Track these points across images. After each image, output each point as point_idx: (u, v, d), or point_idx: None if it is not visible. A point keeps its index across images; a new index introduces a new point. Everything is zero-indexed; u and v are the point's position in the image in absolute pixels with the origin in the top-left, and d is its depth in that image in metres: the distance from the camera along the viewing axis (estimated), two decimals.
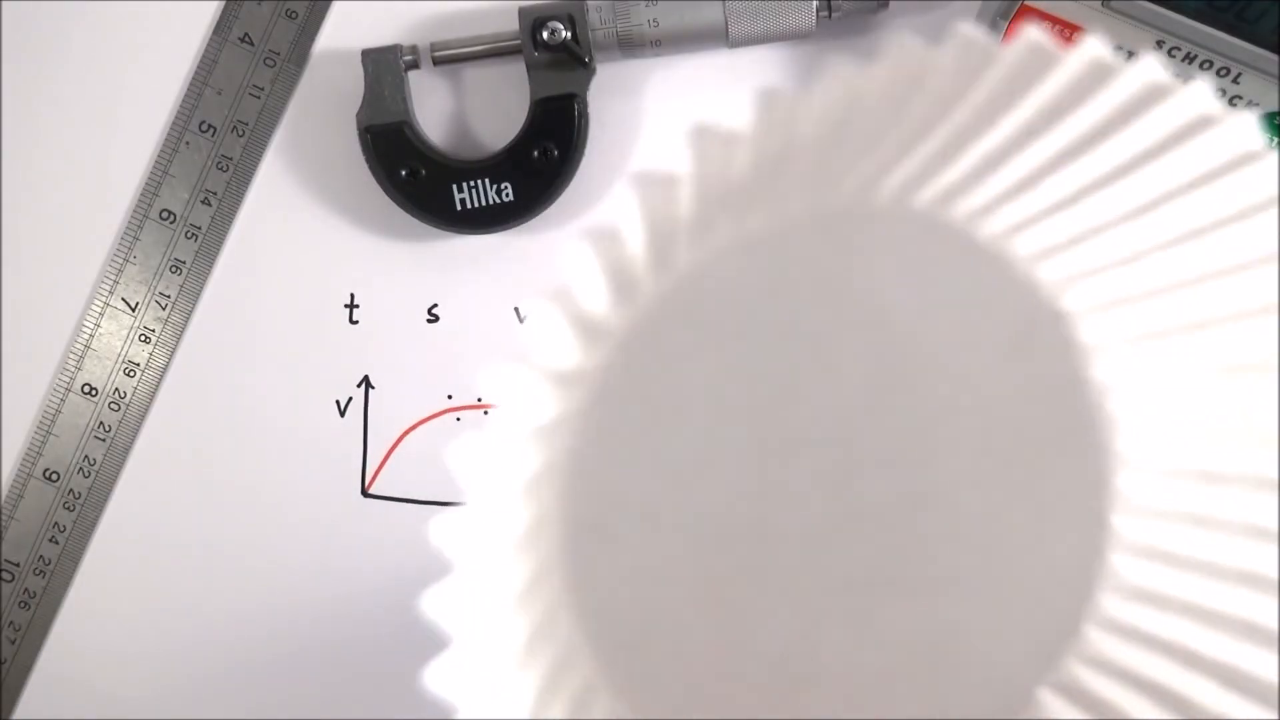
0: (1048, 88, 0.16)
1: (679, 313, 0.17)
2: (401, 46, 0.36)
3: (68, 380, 0.38)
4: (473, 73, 0.37)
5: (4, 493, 0.39)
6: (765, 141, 0.16)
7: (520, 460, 0.17)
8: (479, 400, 0.38)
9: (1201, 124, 0.14)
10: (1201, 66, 0.33)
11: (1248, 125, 0.14)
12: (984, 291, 0.14)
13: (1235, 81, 0.33)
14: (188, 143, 0.38)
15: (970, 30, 0.16)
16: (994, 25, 0.33)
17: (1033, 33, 0.15)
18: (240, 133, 0.37)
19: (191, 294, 0.38)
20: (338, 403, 0.38)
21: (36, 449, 0.39)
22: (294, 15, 0.37)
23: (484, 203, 0.36)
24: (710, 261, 0.16)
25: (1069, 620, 0.14)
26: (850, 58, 0.39)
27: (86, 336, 0.38)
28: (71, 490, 0.39)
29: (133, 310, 0.38)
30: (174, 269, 0.38)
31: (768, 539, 0.15)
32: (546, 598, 0.17)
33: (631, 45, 0.35)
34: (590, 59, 0.35)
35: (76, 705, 0.39)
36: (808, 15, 0.35)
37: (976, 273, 0.14)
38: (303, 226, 0.38)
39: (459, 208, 0.36)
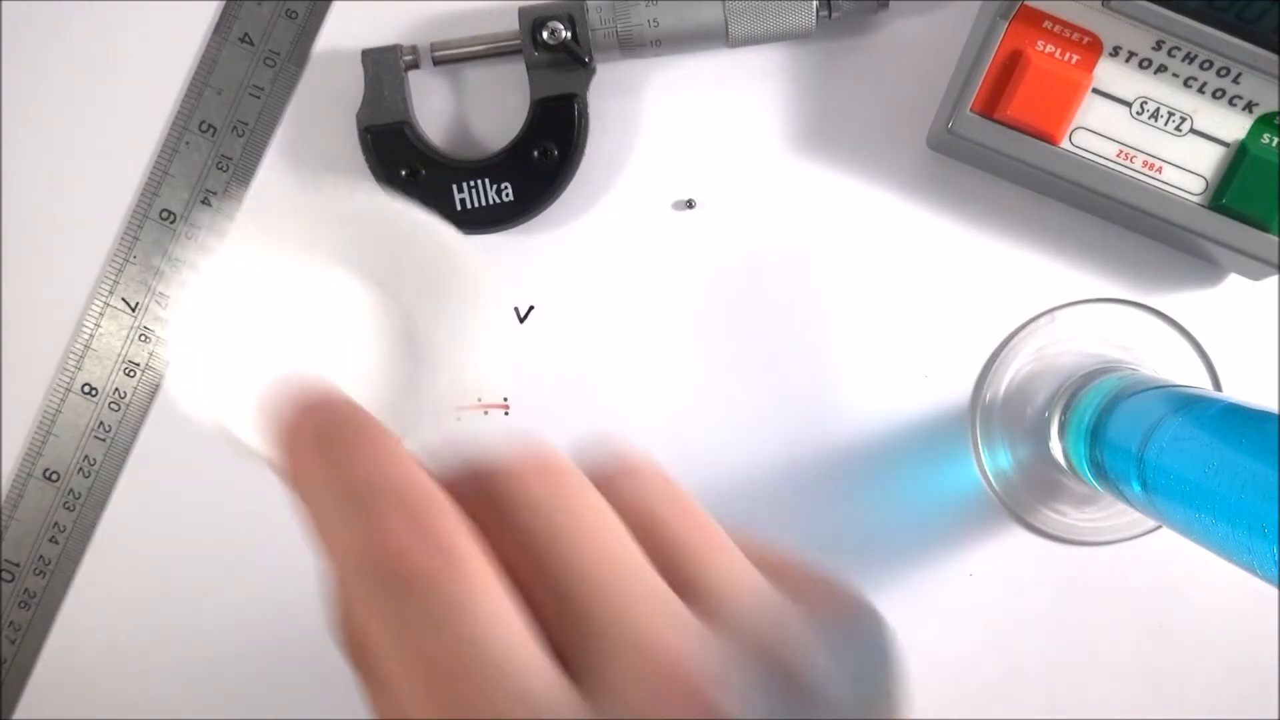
0: None
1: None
2: (401, 46, 0.36)
3: (68, 380, 0.38)
4: (473, 73, 0.37)
5: (4, 493, 0.39)
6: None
7: None
8: (478, 400, 0.38)
9: None
10: (1202, 66, 0.33)
11: None
12: None
13: (1235, 81, 0.33)
14: (188, 143, 0.38)
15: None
16: (994, 25, 0.33)
17: None
18: (240, 133, 0.37)
19: None
20: None
21: (36, 449, 0.39)
22: (294, 15, 0.37)
23: (484, 203, 0.36)
24: None
25: None
26: (850, 57, 0.39)
27: (86, 336, 0.38)
28: (71, 490, 0.39)
29: (133, 310, 0.38)
30: (174, 269, 0.38)
31: None
32: None
33: (631, 45, 0.35)
34: (590, 59, 0.35)
35: (76, 705, 0.39)
36: (808, 15, 0.35)
37: None
38: None
39: (459, 208, 0.36)
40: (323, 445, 0.21)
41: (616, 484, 0.21)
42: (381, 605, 0.20)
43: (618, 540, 0.20)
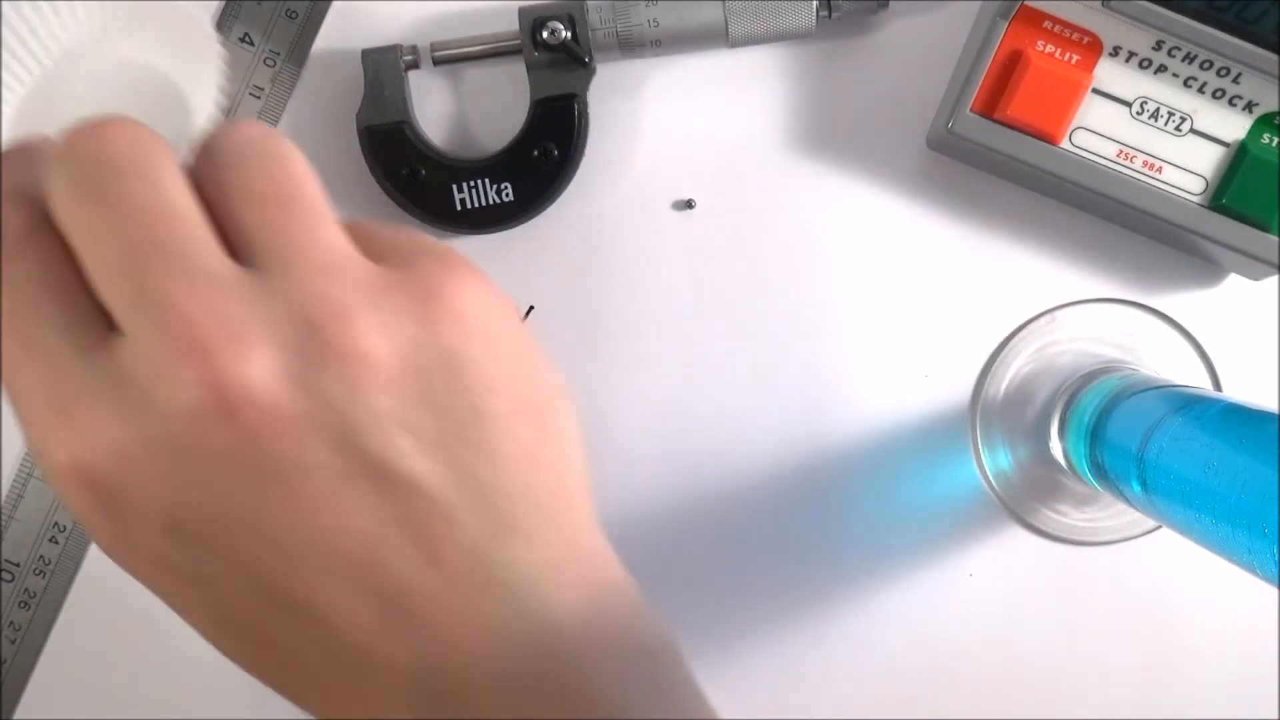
0: None
1: None
2: (401, 46, 0.36)
3: None
4: (473, 73, 0.37)
5: (4, 493, 0.39)
6: None
7: None
8: None
9: None
10: (1202, 66, 0.33)
11: None
12: None
13: (1235, 81, 0.33)
14: None
15: None
16: (994, 25, 0.33)
17: None
18: None
19: None
20: None
21: None
22: (294, 15, 0.37)
23: (484, 203, 0.36)
24: None
25: None
26: (850, 57, 0.39)
27: None
28: None
29: None
30: None
31: None
32: None
33: (631, 45, 0.35)
34: (590, 59, 0.35)
35: (76, 705, 0.39)
36: (808, 15, 0.35)
37: None
38: None
39: (459, 208, 0.36)
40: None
41: (212, 142, 0.21)
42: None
43: (161, 202, 0.20)
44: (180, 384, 0.19)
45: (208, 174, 0.20)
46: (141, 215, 0.19)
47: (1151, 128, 0.34)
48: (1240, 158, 0.33)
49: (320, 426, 0.19)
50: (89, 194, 0.19)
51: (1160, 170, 0.34)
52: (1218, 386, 0.35)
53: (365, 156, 0.36)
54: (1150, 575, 0.38)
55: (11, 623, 0.39)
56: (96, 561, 0.39)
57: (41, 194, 0.20)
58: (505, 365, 0.21)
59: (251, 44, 0.37)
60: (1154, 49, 0.33)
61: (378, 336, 0.20)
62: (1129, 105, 0.34)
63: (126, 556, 0.21)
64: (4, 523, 0.39)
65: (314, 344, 0.19)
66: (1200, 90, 0.33)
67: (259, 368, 0.19)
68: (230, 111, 0.37)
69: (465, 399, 0.20)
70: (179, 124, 0.34)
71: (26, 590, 0.39)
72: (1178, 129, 0.34)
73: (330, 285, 0.20)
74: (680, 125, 0.37)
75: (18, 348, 0.20)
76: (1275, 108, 0.33)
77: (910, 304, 0.38)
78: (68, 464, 0.19)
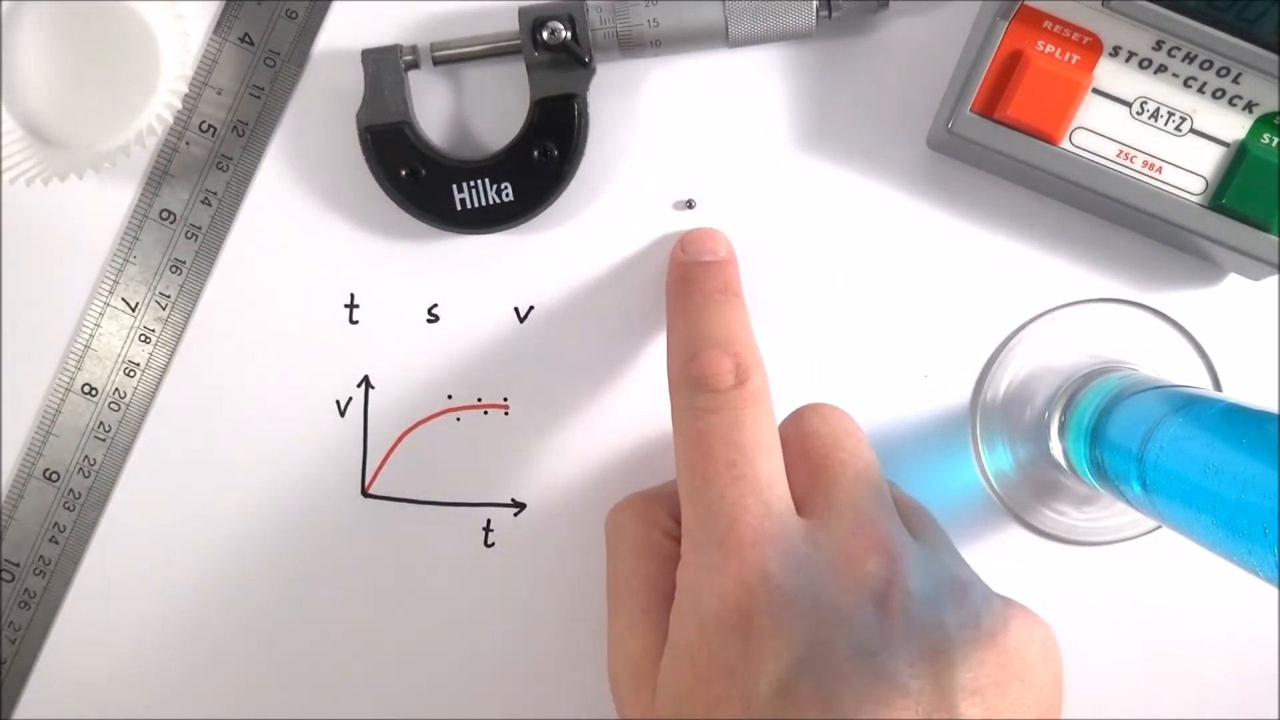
0: None
1: None
2: (401, 46, 0.36)
3: (68, 380, 0.38)
4: (473, 73, 0.37)
5: (4, 493, 0.39)
6: None
7: None
8: (478, 400, 0.38)
9: None
10: (1202, 66, 0.33)
11: None
12: None
13: (1235, 81, 0.33)
14: (188, 143, 0.38)
15: None
16: (994, 25, 0.33)
17: None
18: (240, 133, 0.37)
19: (191, 294, 0.38)
20: (338, 403, 0.38)
21: (36, 449, 0.39)
22: (294, 15, 0.37)
23: (484, 203, 0.36)
24: None
25: None
26: (850, 57, 0.39)
27: (86, 336, 0.38)
28: (71, 490, 0.39)
29: (133, 310, 0.38)
30: (174, 269, 0.38)
31: None
32: None
33: (631, 45, 0.35)
34: (590, 59, 0.35)
35: (76, 705, 0.39)
36: (808, 15, 0.35)
37: None
38: (303, 226, 0.38)
39: (459, 208, 0.36)
40: (686, 283, 0.34)
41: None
42: (684, 409, 0.29)
43: (869, 453, 0.30)
44: (865, 571, 0.26)
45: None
46: (868, 458, 0.30)
47: (1151, 128, 0.34)
48: (1240, 158, 0.33)
49: (929, 659, 0.25)
50: (838, 437, 0.31)
51: (1160, 170, 0.34)
52: (1218, 386, 0.35)
53: (365, 156, 0.36)
54: (1150, 575, 0.38)
55: (11, 623, 0.39)
56: (96, 562, 0.39)
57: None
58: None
59: (251, 44, 0.37)
60: (1154, 49, 0.33)
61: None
62: (1129, 105, 0.34)
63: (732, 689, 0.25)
64: (4, 523, 0.39)
65: (942, 576, 0.29)
66: (1200, 90, 0.33)
67: (907, 575, 0.26)
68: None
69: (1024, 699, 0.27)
70: (149, 64, 0.37)
71: (26, 590, 0.39)
72: (1178, 129, 0.34)
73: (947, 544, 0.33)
74: (680, 125, 0.37)
75: (736, 481, 0.27)
76: (1275, 108, 0.33)
77: (910, 304, 0.38)
78: (738, 584, 0.25)
